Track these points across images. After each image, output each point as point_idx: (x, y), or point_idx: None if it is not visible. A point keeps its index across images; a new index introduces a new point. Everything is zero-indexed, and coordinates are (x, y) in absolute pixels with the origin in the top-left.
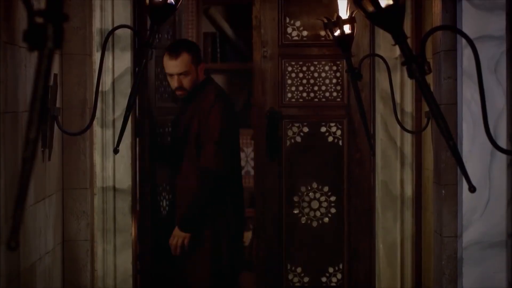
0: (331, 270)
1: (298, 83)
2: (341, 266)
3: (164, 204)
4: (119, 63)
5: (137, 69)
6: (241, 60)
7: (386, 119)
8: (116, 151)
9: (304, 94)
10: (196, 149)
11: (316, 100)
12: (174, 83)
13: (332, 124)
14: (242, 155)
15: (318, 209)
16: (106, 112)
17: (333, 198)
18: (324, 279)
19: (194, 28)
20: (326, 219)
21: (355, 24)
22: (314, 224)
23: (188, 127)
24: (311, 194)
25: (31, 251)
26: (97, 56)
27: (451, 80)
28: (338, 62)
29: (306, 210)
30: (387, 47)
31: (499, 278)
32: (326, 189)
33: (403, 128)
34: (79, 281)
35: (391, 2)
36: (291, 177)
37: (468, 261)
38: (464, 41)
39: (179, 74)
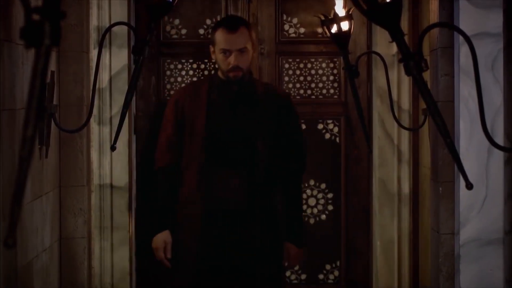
0: (328, 267)
1: (295, 80)
2: (338, 264)
3: None
4: (116, 61)
5: (134, 66)
6: None
7: (383, 116)
8: (113, 148)
9: (301, 91)
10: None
11: (313, 97)
12: (230, 61)
13: (329, 121)
14: None
15: (315, 206)
16: (103, 110)
17: (330, 195)
18: (321, 276)
19: None
20: (324, 216)
21: (352, 21)
22: (312, 221)
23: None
24: (308, 191)
25: (28, 248)
26: (94, 53)
27: (448, 77)
28: (335, 59)
29: (303, 207)
30: (384, 44)
31: (496, 275)
32: (323, 186)
33: (400, 125)
34: (76, 278)
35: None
36: None
37: (465, 258)
38: (461, 38)
39: (238, 50)
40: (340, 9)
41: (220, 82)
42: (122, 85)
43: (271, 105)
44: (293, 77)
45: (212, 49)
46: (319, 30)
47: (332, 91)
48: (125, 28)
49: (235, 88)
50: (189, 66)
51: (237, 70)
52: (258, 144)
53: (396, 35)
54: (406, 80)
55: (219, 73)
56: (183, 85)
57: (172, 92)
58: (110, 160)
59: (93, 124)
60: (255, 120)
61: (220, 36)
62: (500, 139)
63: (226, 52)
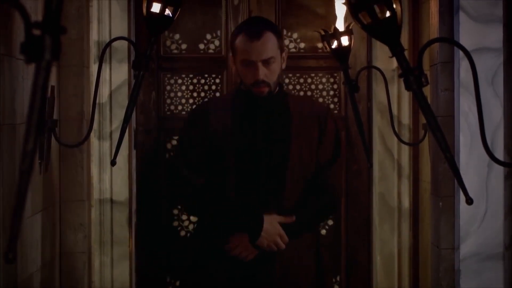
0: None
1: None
2: (338, 278)
3: None
4: (116, 75)
5: (134, 81)
6: None
7: (383, 131)
8: (113, 163)
9: None
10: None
11: None
12: (255, 75)
13: None
14: None
15: None
16: (103, 124)
17: None
18: None
19: None
20: (324, 231)
21: (352, 36)
22: None
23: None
24: None
25: (28, 263)
26: (94, 68)
27: (448, 92)
28: (335, 74)
29: None
30: (384, 59)
31: None
32: None
33: (400, 140)
34: None
35: (388, 14)
36: None
37: (465, 273)
38: (461, 53)
39: (263, 61)
40: (340, 24)
41: (244, 98)
42: (122, 99)
43: (307, 128)
44: (293, 92)
45: (232, 60)
46: (319, 45)
47: (332, 105)
48: (125, 42)
49: (262, 107)
50: (190, 81)
51: (262, 85)
52: (288, 176)
53: (396, 50)
54: (406, 95)
55: (243, 87)
56: (183, 100)
57: (172, 107)
58: (110, 175)
59: (93, 139)
60: (286, 146)
61: (240, 44)
62: (500, 154)
63: (249, 63)
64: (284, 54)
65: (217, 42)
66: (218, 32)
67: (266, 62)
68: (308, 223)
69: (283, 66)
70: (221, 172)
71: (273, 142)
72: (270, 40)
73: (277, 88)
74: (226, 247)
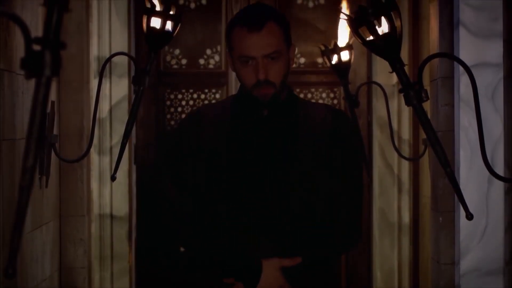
0: None
1: None
2: None
3: None
4: (116, 90)
5: (134, 96)
6: None
7: (384, 146)
8: (113, 178)
9: None
10: None
11: None
12: (256, 74)
13: None
14: None
15: None
16: (103, 139)
17: None
18: None
19: None
20: None
21: (352, 51)
22: None
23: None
24: None
25: (28, 278)
26: (94, 83)
27: (448, 107)
28: (335, 89)
29: None
30: (384, 74)
31: None
32: None
33: (400, 155)
34: None
35: (388, 30)
36: None
37: None
38: (461, 68)
39: (265, 57)
40: (340, 40)
41: (244, 105)
42: (122, 115)
43: (322, 144)
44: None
45: (229, 57)
46: (320, 60)
47: None
48: (125, 57)
49: (265, 112)
50: (189, 96)
51: (265, 86)
52: (294, 206)
53: (395, 66)
54: (406, 110)
55: (243, 90)
56: (183, 115)
57: (172, 122)
58: (110, 190)
59: (93, 154)
60: (293, 167)
61: (237, 37)
62: (500, 169)
63: (248, 60)
64: (292, 49)
65: (217, 57)
66: (218, 47)
67: (270, 58)
68: (317, 265)
69: (292, 64)
70: (212, 199)
71: (277, 161)
72: (273, 31)
73: (285, 92)
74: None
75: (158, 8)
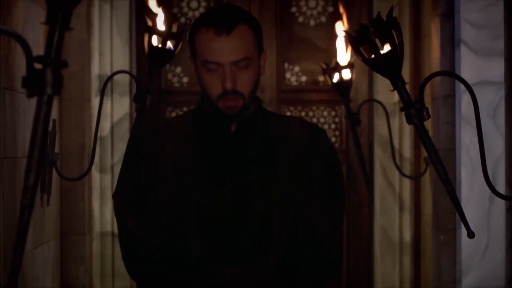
0: None
1: None
2: None
3: None
4: (117, 109)
5: (135, 114)
6: None
7: (385, 164)
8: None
9: None
10: None
11: None
12: (222, 83)
13: None
14: None
15: None
16: (104, 158)
17: None
18: None
19: None
20: None
21: (354, 70)
22: None
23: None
24: None
25: None
26: (95, 101)
27: (449, 125)
28: (337, 108)
29: None
30: (385, 92)
31: None
32: None
33: (401, 173)
34: None
35: (389, 48)
36: None
37: None
38: (462, 86)
39: (234, 64)
40: (341, 58)
41: (207, 119)
42: (124, 133)
43: (297, 162)
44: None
45: (191, 63)
46: (321, 78)
47: (333, 139)
48: (127, 76)
49: (233, 128)
50: None
51: (233, 97)
52: (274, 223)
53: (397, 84)
54: (407, 128)
55: (205, 101)
56: None
57: None
58: (111, 208)
59: (94, 172)
60: (268, 182)
61: (202, 40)
62: (501, 187)
63: (214, 67)
64: (263, 55)
65: None
66: None
67: (239, 66)
68: None
69: (263, 73)
70: (179, 229)
71: (250, 182)
72: (245, 35)
73: (254, 104)
74: None
75: (159, 26)
